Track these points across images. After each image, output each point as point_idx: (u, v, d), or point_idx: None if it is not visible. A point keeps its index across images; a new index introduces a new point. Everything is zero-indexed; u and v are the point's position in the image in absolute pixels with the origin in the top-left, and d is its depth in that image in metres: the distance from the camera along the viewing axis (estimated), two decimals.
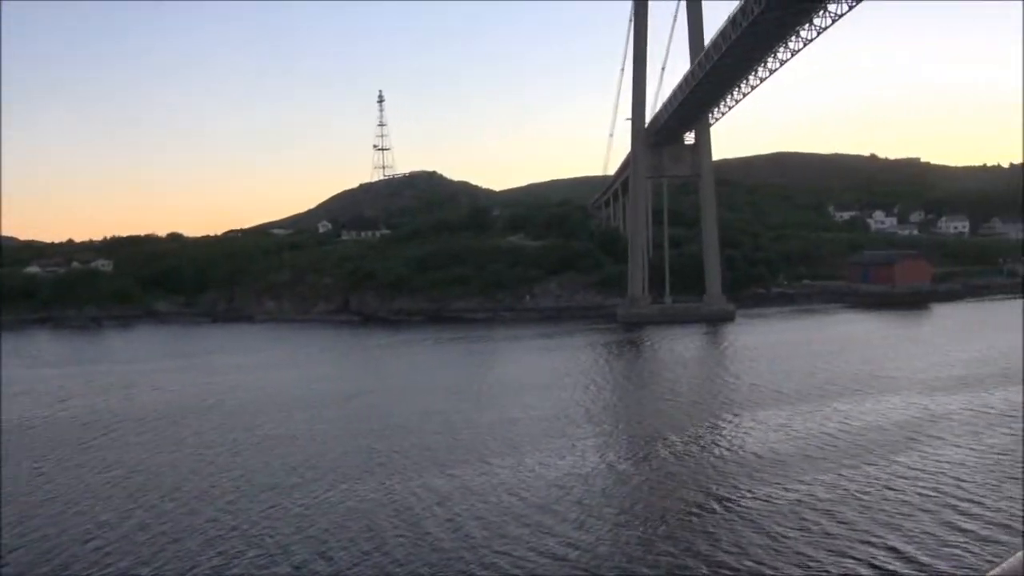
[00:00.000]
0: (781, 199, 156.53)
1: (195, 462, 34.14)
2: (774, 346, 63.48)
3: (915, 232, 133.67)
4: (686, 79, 71.45)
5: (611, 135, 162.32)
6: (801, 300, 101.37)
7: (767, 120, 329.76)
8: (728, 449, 33.48)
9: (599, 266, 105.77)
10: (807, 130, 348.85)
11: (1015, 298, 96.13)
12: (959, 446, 32.20)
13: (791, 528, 23.83)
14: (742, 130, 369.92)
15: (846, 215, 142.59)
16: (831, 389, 44.14)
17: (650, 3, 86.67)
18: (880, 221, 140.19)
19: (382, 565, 22.41)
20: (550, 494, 27.66)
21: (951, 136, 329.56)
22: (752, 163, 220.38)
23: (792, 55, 57.71)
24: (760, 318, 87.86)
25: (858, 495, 26.53)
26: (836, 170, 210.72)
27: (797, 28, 54.63)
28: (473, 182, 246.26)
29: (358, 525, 25.52)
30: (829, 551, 22.13)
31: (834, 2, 49.71)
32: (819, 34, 53.15)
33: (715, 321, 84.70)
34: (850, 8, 48.78)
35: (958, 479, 27.89)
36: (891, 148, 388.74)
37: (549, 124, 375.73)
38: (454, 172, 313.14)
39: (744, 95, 70.78)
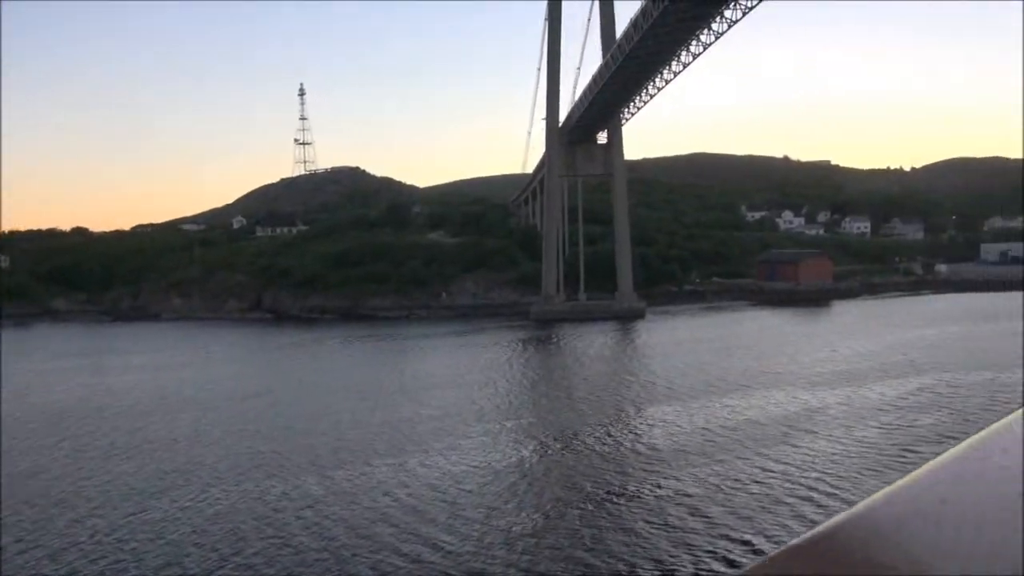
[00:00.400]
0: (697, 199, 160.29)
1: (62, 468, 32.61)
2: (675, 343, 64.90)
3: (821, 232, 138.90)
4: (595, 79, 72.36)
5: (529, 133, 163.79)
6: (711, 297, 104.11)
7: (687, 122, 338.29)
8: (608, 447, 33.94)
9: (515, 263, 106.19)
10: (726, 132, 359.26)
11: (908, 296, 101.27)
12: (830, 439, 33.46)
13: (654, 523, 24.27)
14: (663, 131, 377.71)
15: (757, 215, 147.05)
16: (721, 385, 45.33)
17: (564, 3, 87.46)
18: (789, 221, 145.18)
19: (238, 570, 21.83)
20: (425, 495, 27.48)
21: (859, 140, 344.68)
22: (672, 163, 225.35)
23: (694, 58, 59.25)
24: (670, 315, 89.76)
25: (725, 489, 27.23)
26: (751, 171, 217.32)
27: (696, 32, 55.94)
28: (397, 178, 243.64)
29: (221, 530, 24.80)
30: (687, 546, 22.62)
31: (729, 8, 51.03)
32: (717, 39, 54.63)
33: (626, 318, 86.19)
34: (744, 14, 50.25)
35: (823, 472, 28.95)
36: (804, 151, 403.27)
37: (477, 121, 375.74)
38: (378, 168, 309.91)
39: (652, 96, 72.24)
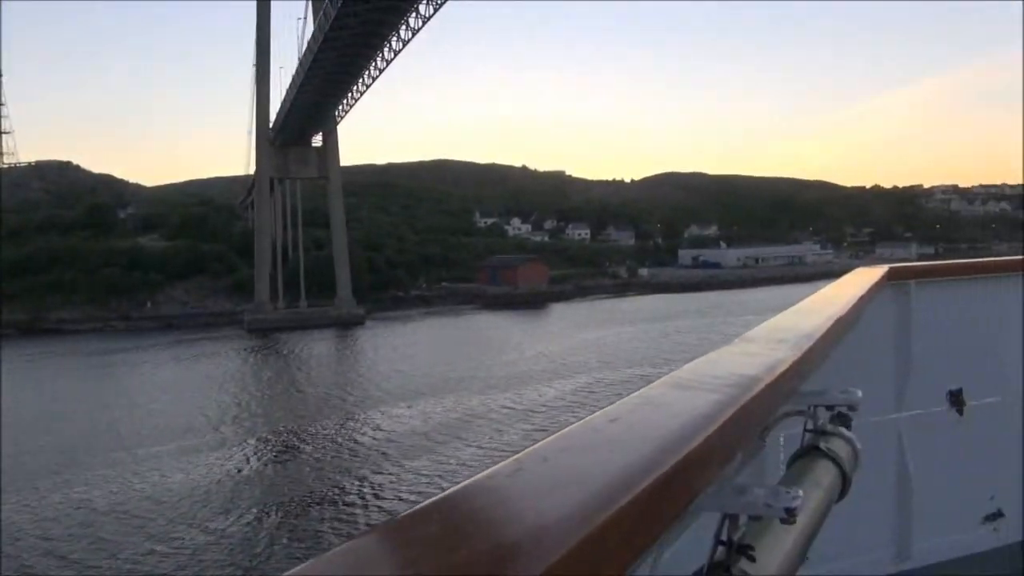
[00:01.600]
0: (435, 204, 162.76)
1: None
2: (376, 350, 64.43)
3: (546, 238, 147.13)
4: (293, 78, 69.91)
5: (250, 132, 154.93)
6: (437, 302, 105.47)
7: (434, 128, 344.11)
8: (235, 470, 31.81)
9: (234, 269, 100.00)
10: (470, 140, 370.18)
11: (614, 297, 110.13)
12: (479, 446, 34.06)
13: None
14: (412, 137, 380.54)
15: (489, 221, 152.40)
16: (397, 393, 45.11)
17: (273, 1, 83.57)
18: (517, 228, 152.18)
19: None
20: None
21: (591, 154, 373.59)
22: (417, 169, 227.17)
23: (387, 63, 59.07)
24: (392, 321, 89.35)
25: (337, 503, 26.48)
26: (491, 179, 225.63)
27: (387, 32, 55.81)
28: (120, 175, 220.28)
29: None
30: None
31: (412, 15, 51.45)
32: (405, 45, 54.88)
33: (345, 325, 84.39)
34: (424, 23, 50.94)
35: (441, 479, 29.22)
36: (543, 161, 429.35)
37: (213, 116, 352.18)
38: (99, 164, 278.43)
39: (356, 99, 71.19)
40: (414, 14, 52.14)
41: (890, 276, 3.63)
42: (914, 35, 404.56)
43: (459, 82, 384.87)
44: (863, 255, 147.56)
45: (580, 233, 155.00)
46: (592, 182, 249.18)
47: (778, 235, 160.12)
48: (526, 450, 0.98)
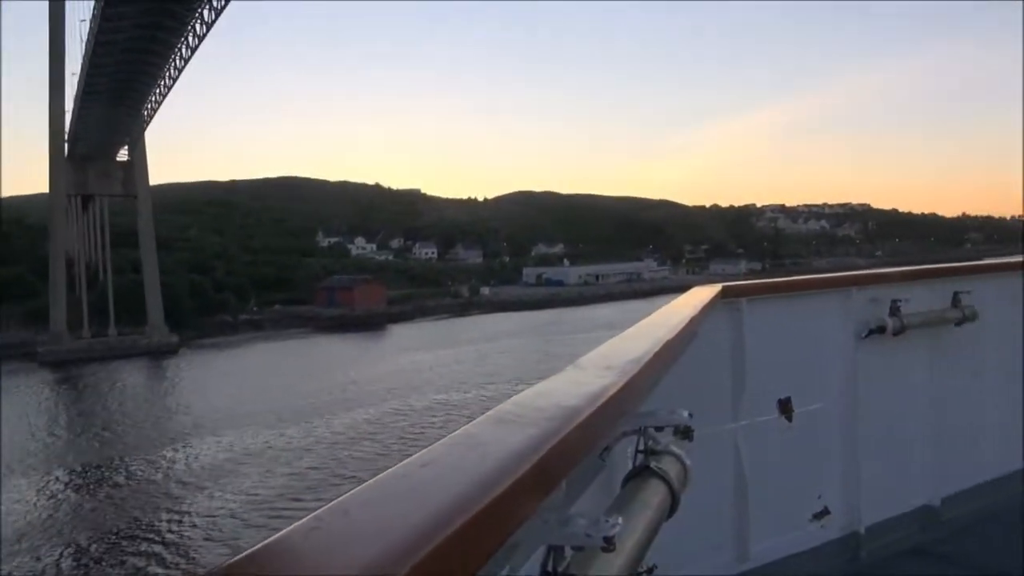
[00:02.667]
0: (277, 223, 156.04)
1: None
2: (175, 383, 59.43)
3: (391, 258, 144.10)
4: (77, 86, 64.00)
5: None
6: (268, 326, 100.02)
7: (283, 145, 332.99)
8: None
9: (35, 294, 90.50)
10: (324, 158, 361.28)
11: (455, 317, 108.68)
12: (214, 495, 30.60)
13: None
14: (258, 153, 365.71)
15: (332, 240, 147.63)
16: (169, 430, 41.16)
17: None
18: (362, 247, 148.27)
19: None
20: None
21: (447, 172, 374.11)
22: (262, 187, 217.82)
23: (179, 72, 54.90)
24: (212, 348, 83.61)
25: None
26: (343, 197, 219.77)
27: (171, 42, 51.83)
28: None
29: None
30: None
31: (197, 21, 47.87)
32: (193, 53, 51.05)
33: (157, 355, 78.05)
34: (208, 28, 47.50)
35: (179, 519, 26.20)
36: (398, 179, 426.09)
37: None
38: None
39: (154, 109, 65.94)
40: (199, 21, 48.65)
41: (724, 294, 3.78)
42: (754, 66, 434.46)
43: (312, 98, 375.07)
44: (698, 271, 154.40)
45: (427, 252, 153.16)
46: (447, 200, 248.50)
47: (621, 253, 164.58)
48: (327, 505, 0.93)
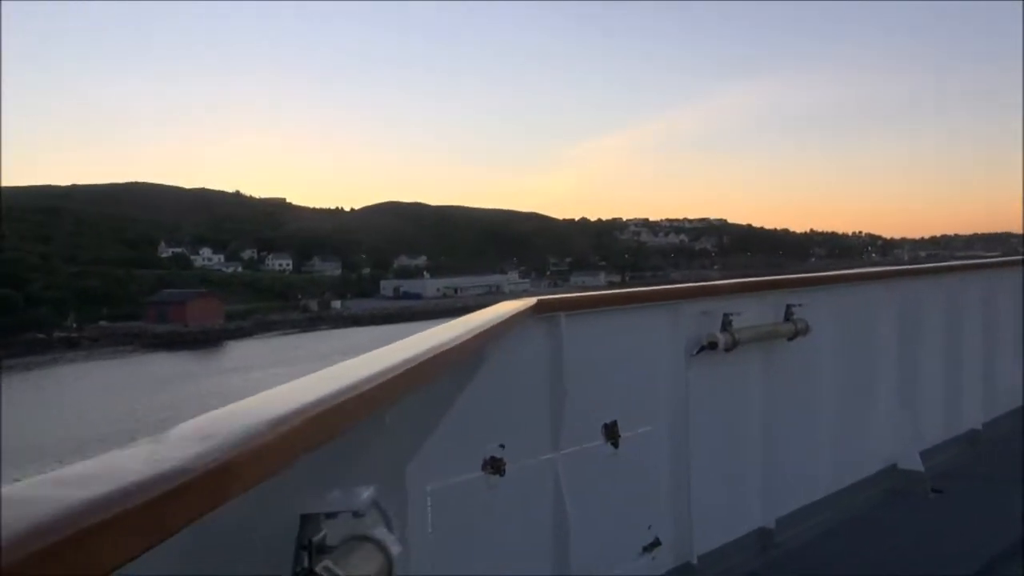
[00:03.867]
0: (116, 232, 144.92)
1: None
2: None
3: (239, 269, 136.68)
4: None
5: None
6: (87, 344, 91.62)
7: (133, 149, 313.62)
8: None
9: None
10: (181, 163, 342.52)
11: (301, 332, 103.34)
12: None
13: None
14: (105, 157, 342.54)
15: (175, 251, 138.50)
16: None
17: None
18: (208, 258, 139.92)
19: None
20: None
21: (315, 181, 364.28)
22: (104, 193, 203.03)
23: None
24: (10, 371, 75.08)
25: None
26: (198, 205, 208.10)
27: None
28: None
29: None
30: None
31: None
32: None
33: None
34: None
35: None
36: (262, 188, 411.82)
37: None
38: None
39: None
40: None
41: (538, 309, 3.36)
42: (628, 85, 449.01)
43: (173, 103, 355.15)
44: (560, 283, 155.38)
45: (281, 264, 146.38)
46: (313, 211, 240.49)
47: (486, 265, 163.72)
48: None
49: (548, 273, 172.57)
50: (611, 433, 3.77)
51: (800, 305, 4.68)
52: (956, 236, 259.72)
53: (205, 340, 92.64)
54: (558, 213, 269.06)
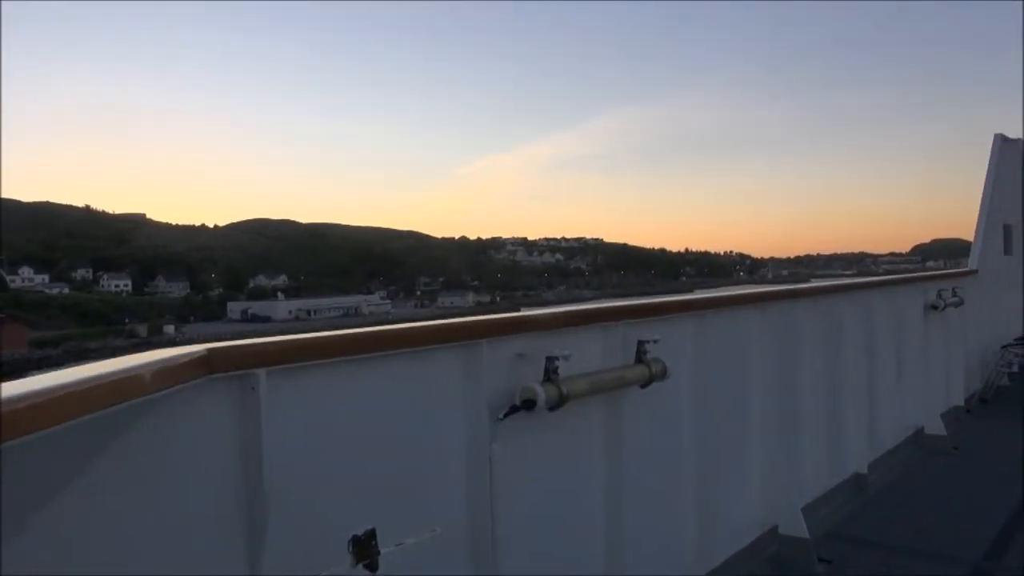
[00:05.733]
0: None
1: None
2: None
3: (66, 290, 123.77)
4: None
5: None
6: None
7: None
8: None
9: None
10: (26, 175, 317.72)
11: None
12: None
13: None
14: None
15: None
16: None
17: None
18: (28, 278, 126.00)
19: None
20: None
21: (179, 196, 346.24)
22: None
23: None
24: None
25: None
26: (36, 221, 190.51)
27: None
28: None
29: None
30: None
31: None
32: None
33: None
34: None
35: None
36: (118, 203, 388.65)
37: None
38: None
39: None
40: None
41: (212, 364, 2.01)
42: (513, 107, 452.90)
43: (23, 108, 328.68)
44: (428, 304, 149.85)
45: (118, 284, 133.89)
46: (173, 227, 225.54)
47: (353, 285, 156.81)
48: None
49: (418, 293, 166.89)
50: (364, 549, 2.39)
51: (655, 341, 3.52)
52: (818, 255, 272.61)
53: (3, 371, 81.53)
54: (439, 232, 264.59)
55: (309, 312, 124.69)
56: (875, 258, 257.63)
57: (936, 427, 6.90)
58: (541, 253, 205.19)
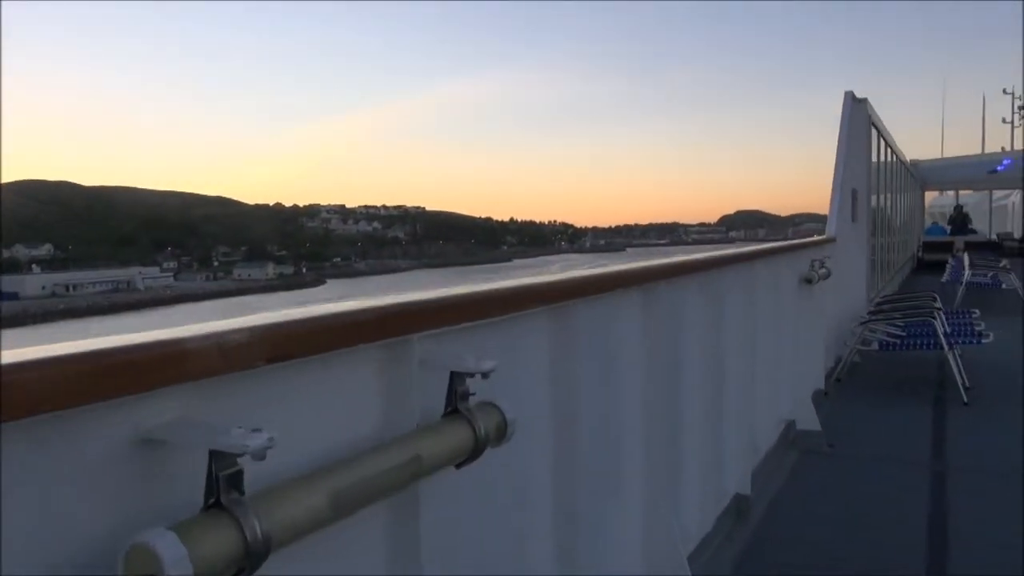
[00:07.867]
0: None
1: None
2: None
3: None
4: None
5: None
6: None
7: None
8: None
9: None
10: None
11: None
12: None
13: None
14: None
15: None
16: None
17: None
18: None
19: None
20: None
21: None
22: None
23: None
24: None
25: None
26: None
27: None
28: None
29: None
30: None
31: None
32: None
33: None
34: None
35: None
36: None
37: None
38: None
39: None
40: None
41: None
42: (356, 71, 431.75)
43: None
44: (222, 276, 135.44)
45: None
46: None
47: (138, 256, 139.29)
48: None
49: (216, 264, 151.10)
50: None
51: (482, 375, 1.79)
52: (636, 225, 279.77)
53: None
54: (254, 198, 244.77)
55: (68, 287, 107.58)
56: (686, 228, 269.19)
57: (808, 420, 5.75)
58: (357, 221, 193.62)
